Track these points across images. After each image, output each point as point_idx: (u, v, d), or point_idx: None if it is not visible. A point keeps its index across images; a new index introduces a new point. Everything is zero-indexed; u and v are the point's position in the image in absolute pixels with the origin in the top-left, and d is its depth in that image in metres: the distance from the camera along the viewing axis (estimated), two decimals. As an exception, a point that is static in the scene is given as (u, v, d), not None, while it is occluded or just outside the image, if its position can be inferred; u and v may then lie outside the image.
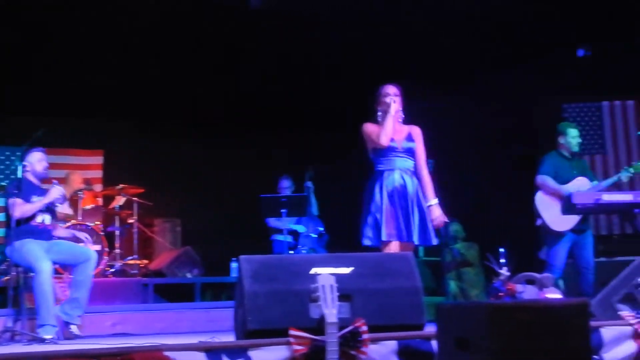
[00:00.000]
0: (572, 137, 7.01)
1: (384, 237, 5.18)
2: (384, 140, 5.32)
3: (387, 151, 5.38)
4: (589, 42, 9.40)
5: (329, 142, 10.03)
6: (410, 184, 5.33)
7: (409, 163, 5.42)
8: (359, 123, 5.56)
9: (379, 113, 5.49)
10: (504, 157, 9.24)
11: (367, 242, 5.28)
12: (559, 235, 6.75)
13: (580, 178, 6.87)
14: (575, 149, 7.07)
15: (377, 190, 5.30)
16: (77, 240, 6.18)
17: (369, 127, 5.48)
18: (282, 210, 7.99)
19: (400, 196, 5.27)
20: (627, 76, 8.96)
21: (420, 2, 7.90)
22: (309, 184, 8.76)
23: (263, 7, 7.63)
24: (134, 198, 8.74)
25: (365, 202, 5.37)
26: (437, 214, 5.36)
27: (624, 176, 6.78)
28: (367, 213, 5.32)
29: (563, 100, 9.49)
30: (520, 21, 8.34)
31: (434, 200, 5.39)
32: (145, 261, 8.86)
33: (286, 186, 8.97)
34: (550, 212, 6.76)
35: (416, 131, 5.50)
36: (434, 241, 5.32)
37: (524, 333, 2.88)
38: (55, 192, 5.91)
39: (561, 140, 7.03)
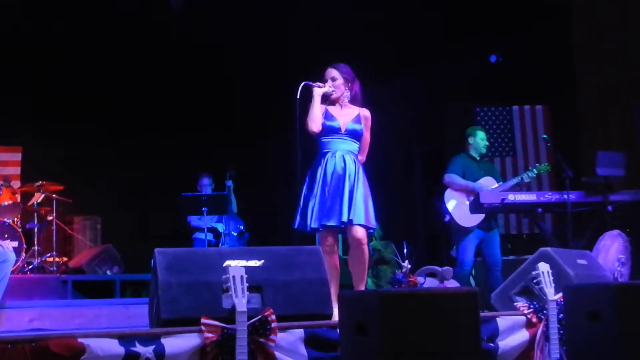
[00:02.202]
0: (481, 139, 7.35)
1: (313, 224, 5.02)
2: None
3: (328, 132, 5.20)
4: (501, 48, 9.84)
5: (249, 141, 10.15)
6: (352, 165, 5.14)
7: (352, 146, 5.24)
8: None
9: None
10: (417, 157, 9.54)
11: (297, 225, 5.12)
12: (467, 231, 7.05)
13: (487, 177, 7.21)
14: (483, 150, 7.41)
15: (316, 173, 5.14)
16: None
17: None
18: (203, 209, 8.17)
19: (338, 179, 5.08)
20: (536, 82, 9.41)
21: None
22: (229, 182, 8.90)
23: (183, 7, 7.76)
24: (53, 195, 8.70)
25: (304, 185, 5.19)
26: None
27: (527, 177, 7.13)
28: (301, 197, 5.16)
29: (476, 103, 9.87)
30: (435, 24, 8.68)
31: None
32: (65, 258, 8.84)
33: (206, 184, 9.08)
34: (458, 209, 7.07)
35: (365, 114, 5.32)
36: (373, 223, 5.17)
37: (415, 319, 3.07)
38: None
39: (470, 141, 7.36)
